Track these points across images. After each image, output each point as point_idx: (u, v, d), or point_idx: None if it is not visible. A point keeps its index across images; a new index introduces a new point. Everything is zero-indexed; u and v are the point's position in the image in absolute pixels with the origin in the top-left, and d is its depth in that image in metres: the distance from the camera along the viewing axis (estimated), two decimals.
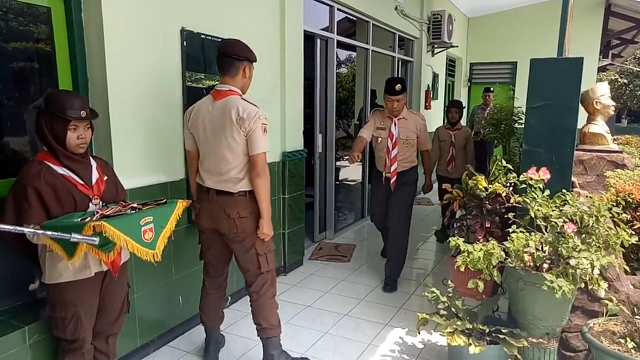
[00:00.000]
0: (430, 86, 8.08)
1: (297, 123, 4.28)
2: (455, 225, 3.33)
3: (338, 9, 5.13)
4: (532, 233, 2.38)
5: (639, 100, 26.09)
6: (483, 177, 3.00)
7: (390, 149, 3.87)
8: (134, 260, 2.33)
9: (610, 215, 2.31)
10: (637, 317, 2.44)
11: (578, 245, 2.19)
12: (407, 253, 4.08)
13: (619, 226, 2.31)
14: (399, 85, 3.77)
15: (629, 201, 2.75)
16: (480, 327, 2.51)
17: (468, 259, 2.34)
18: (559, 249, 2.21)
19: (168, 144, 2.86)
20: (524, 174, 2.44)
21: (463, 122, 5.50)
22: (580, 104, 2.86)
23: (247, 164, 2.44)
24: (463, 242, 2.47)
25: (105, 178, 2.11)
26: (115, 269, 2.03)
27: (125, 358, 2.72)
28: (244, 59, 2.50)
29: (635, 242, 2.25)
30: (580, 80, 2.61)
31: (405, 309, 3.56)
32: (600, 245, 2.24)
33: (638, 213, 2.69)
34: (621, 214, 2.33)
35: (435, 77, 8.33)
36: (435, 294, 2.69)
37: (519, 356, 2.39)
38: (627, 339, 2.22)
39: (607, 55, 12.37)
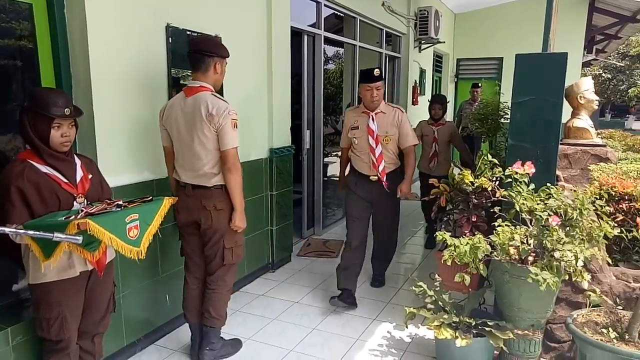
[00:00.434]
0: (418, 82, 8.11)
1: (285, 119, 4.27)
2: (442, 220, 3.36)
3: (325, 5, 5.13)
4: (518, 226, 2.41)
5: (622, 95, 26.48)
6: (469, 171, 3.02)
7: (374, 147, 3.43)
8: (120, 259, 2.31)
9: (594, 208, 2.34)
10: (619, 307, 2.48)
11: (562, 238, 2.23)
12: (395, 251, 3.95)
13: (602, 219, 2.34)
14: (377, 70, 3.40)
15: (612, 194, 2.80)
16: (467, 320, 2.54)
17: (454, 253, 2.36)
18: (544, 242, 2.24)
19: (154, 141, 2.84)
20: (510, 168, 2.46)
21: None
22: (564, 99, 2.89)
23: (219, 159, 2.49)
24: (450, 236, 2.49)
25: (90, 176, 2.08)
26: (100, 268, 2.01)
27: (111, 357, 2.70)
28: (215, 55, 2.51)
29: (617, 234, 2.29)
30: (564, 75, 2.63)
31: (393, 303, 3.59)
32: (584, 238, 2.28)
33: (620, 206, 2.74)
34: (604, 206, 2.37)
35: (422, 72, 8.36)
36: (422, 288, 2.71)
37: (504, 348, 2.43)
38: (610, 329, 2.26)
39: (591, 51, 12.55)
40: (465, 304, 2.74)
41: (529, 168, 2.41)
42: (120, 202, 2.02)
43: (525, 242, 2.33)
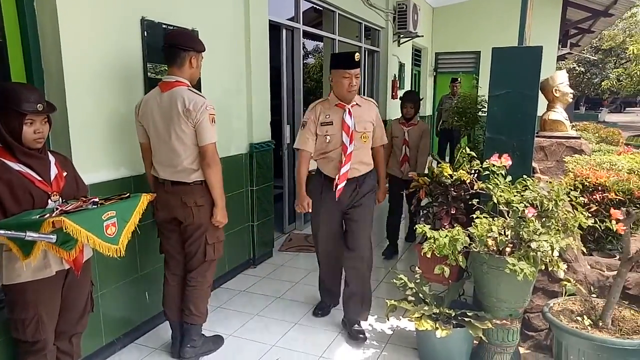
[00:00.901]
0: (397, 76, 8.15)
1: (265, 114, 4.24)
2: (421, 213, 3.39)
3: None
4: (495, 218, 2.45)
5: (596, 88, 27.04)
6: (448, 164, 3.06)
7: (348, 145, 2.87)
8: (98, 257, 2.27)
9: (569, 199, 2.39)
10: (593, 295, 2.55)
11: (538, 229, 2.27)
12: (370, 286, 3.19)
13: (576, 209, 2.39)
14: (358, 54, 2.85)
15: (586, 185, 2.85)
16: (447, 311, 2.58)
17: (434, 245, 2.38)
18: (521, 233, 2.28)
19: (130, 136, 2.78)
20: (487, 160, 2.49)
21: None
22: (540, 92, 2.94)
23: (198, 155, 2.47)
24: (429, 229, 2.51)
25: (65, 174, 2.04)
26: (77, 267, 1.97)
27: (90, 357, 2.66)
28: (190, 49, 2.48)
29: (591, 225, 2.34)
30: (539, 69, 2.67)
31: (374, 296, 3.59)
32: (559, 228, 2.32)
33: (594, 196, 2.80)
34: (579, 197, 2.42)
35: (401, 66, 8.40)
36: (403, 281, 2.74)
37: (484, 338, 2.47)
38: (584, 316, 2.32)
39: (566, 45, 12.79)
40: (445, 296, 2.78)
41: (506, 160, 2.44)
42: (97, 200, 1.98)
43: (502, 233, 2.37)
